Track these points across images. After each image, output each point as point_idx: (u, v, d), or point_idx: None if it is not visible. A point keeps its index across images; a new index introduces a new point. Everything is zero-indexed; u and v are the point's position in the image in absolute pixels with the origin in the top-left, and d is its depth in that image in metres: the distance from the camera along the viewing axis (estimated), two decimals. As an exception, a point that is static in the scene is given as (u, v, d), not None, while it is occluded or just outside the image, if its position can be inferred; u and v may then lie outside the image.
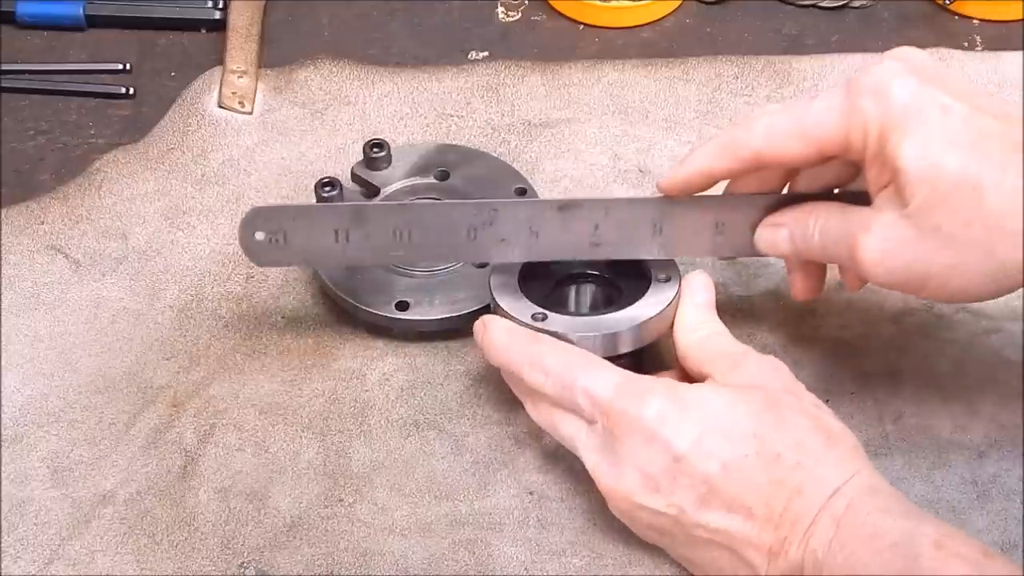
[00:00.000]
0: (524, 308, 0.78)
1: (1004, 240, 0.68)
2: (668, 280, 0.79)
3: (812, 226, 0.75)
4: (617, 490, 0.73)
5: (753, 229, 0.79)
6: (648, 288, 0.79)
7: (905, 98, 0.70)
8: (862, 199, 0.74)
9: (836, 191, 0.78)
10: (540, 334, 0.77)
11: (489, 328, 0.78)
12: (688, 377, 0.77)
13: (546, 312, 0.78)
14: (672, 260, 0.80)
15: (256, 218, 0.79)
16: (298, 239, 0.79)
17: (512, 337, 0.77)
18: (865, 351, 0.85)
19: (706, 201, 0.79)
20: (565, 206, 0.79)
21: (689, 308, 0.79)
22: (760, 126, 0.74)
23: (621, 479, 0.73)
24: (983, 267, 0.70)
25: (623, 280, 0.81)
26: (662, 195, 0.79)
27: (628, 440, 0.72)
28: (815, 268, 0.80)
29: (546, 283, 0.81)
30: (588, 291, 0.83)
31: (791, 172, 0.79)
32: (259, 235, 0.79)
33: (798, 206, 0.77)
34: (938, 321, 0.87)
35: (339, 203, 0.82)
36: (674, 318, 0.79)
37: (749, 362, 0.75)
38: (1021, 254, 0.68)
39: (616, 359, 0.77)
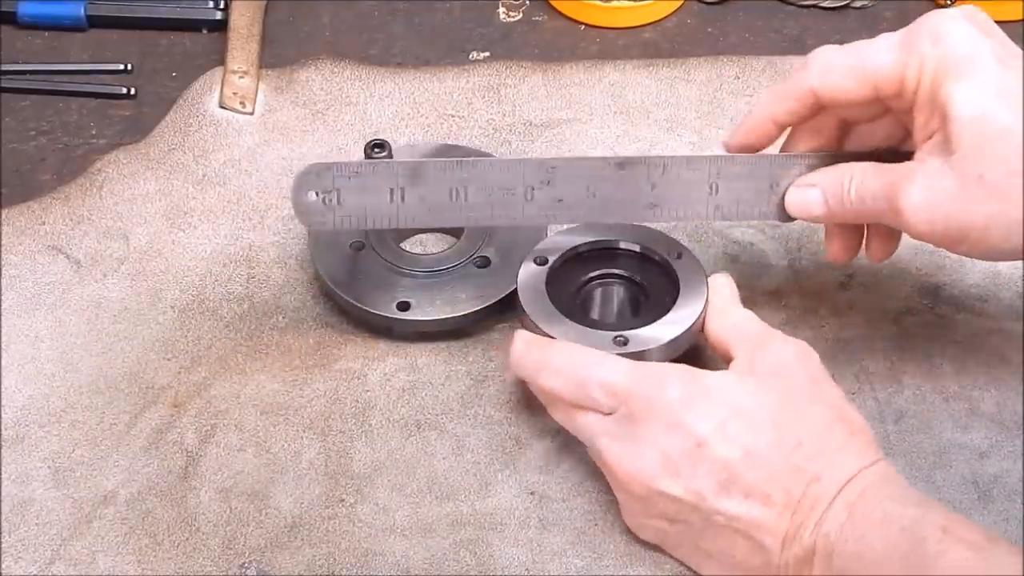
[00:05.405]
0: (597, 336, 0.78)
1: None
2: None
3: (848, 184, 0.75)
4: (637, 476, 0.73)
5: None
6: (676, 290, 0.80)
7: (963, 45, 0.71)
8: (900, 158, 0.74)
9: (876, 150, 0.78)
10: (549, 339, 0.77)
11: (513, 340, 0.79)
12: (701, 364, 0.77)
13: (626, 336, 0.78)
14: (699, 265, 0.81)
15: (309, 176, 0.78)
16: (352, 199, 0.78)
17: (527, 346, 0.78)
18: (867, 351, 0.85)
19: (762, 160, 0.78)
20: (623, 163, 0.78)
21: (718, 296, 0.79)
22: (818, 62, 0.75)
23: (641, 463, 0.73)
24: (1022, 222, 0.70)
25: (646, 279, 0.82)
26: (719, 154, 0.79)
27: (650, 424, 0.73)
28: (853, 230, 0.80)
29: (571, 285, 0.82)
30: (614, 292, 0.83)
31: (847, 128, 0.79)
32: (311, 195, 0.78)
33: (830, 167, 0.77)
34: (939, 321, 0.87)
35: (394, 160, 0.80)
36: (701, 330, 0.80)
37: (776, 345, 0.75)
38: None
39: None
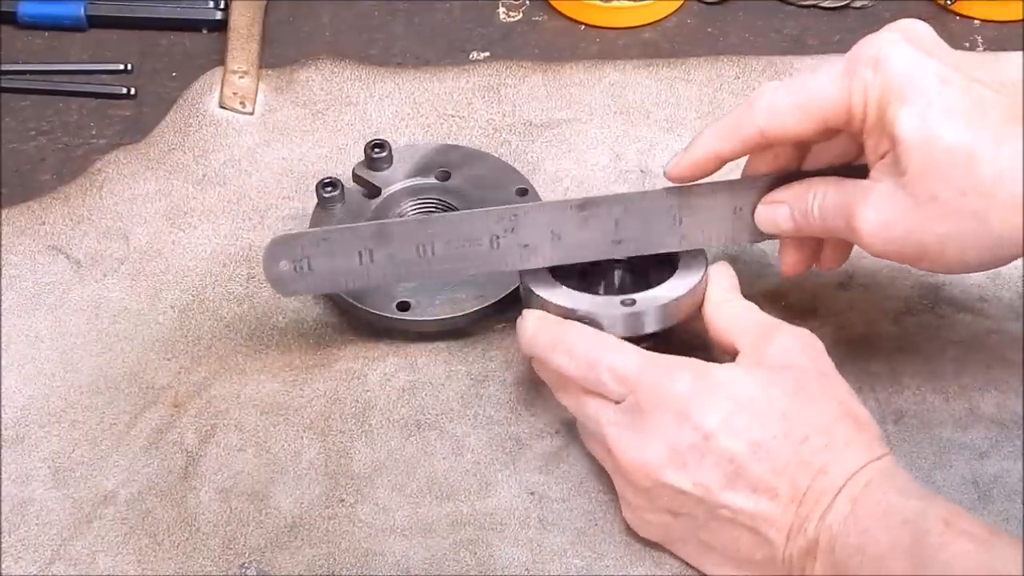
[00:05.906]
0: (606, 301, 0.78)
1: (998, 210, 0.69)
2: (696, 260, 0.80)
3: (811, 201, 0.76)
4: (643, 467, 0.73)
5: None
6: (675, 269, 0.80)
7: (903, 68, 0.71)
8: (861, 173, 0.74)
9: (835, 166, 0.78)
10: (562, 319, 0.77)
11: (523, 319, 0.79)
12: (712, 358, 0.77)
13: (633, 298, 0.78)
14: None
15: (278, 248, 0.79)
16: (322, 264, 0.79)
17: (540, 324, 0.78)
18: (866, 351, 0.85)
19: (723, 187, 0.79)
20: (584, 205, 0.79)
21: (717, 287, 0.79)
22: (762, 104, 0.75)
23: (648, 454, 0.73)
24: (978, 237, 0.70)
25: (650, 264, 0.81)
26: (678, 186, 0.79)
27: (657, 415, 0.73)
28: (808, 243, 0.81)
29: (574, 272, 0.82)
30: (616, 276, 0.83)
31: (803, 149, 0.79)
32: (283, 265, 0.79)
33: (796, 183, 0.77)
34: (939, 321, 0.87)
35: (360, 224, 0.81)
36: (703, 299, 0.79)
37: (782, 336, 0.75)
38: (1015, 224, 0.69)
39: (644, 338, 0.77)
